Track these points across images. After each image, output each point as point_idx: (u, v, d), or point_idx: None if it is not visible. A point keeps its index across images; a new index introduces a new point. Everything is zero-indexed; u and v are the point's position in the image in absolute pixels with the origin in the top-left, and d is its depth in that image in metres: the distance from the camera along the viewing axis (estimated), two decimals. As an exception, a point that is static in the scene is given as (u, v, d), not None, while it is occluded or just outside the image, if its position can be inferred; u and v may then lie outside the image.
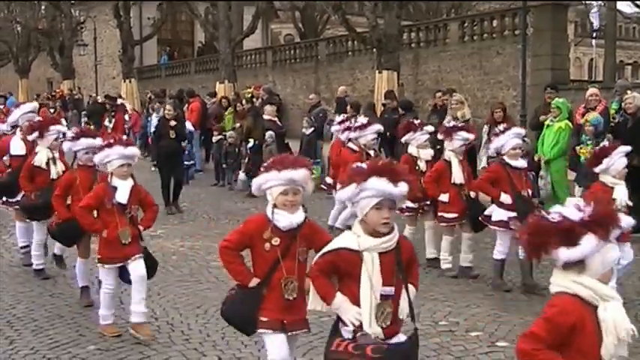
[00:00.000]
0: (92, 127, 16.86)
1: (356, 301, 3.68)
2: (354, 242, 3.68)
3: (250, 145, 14.73)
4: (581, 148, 10.24)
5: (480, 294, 7.41)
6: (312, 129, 15.16)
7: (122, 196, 5.90)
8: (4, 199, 8.33)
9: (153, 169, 14.80)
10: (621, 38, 49.28)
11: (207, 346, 5.80)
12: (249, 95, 18.47)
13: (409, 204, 8.07)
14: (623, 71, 53.50)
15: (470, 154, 9.91)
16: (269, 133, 14.76)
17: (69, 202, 6.81)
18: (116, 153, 5.91)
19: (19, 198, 8.01)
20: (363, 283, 3.66)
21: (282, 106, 20.94)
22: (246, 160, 14.76)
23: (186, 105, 18.80)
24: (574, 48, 45.46)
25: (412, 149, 8.73)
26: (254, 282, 4.14)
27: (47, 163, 7.52)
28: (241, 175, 14.85)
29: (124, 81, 31.26)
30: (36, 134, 7.64)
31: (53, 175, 7.49)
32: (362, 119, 9.77)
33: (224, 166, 15.79)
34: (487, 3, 41.62)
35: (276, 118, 15.48)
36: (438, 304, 6.99)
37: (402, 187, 3.65)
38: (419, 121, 9.55)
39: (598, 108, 10.61)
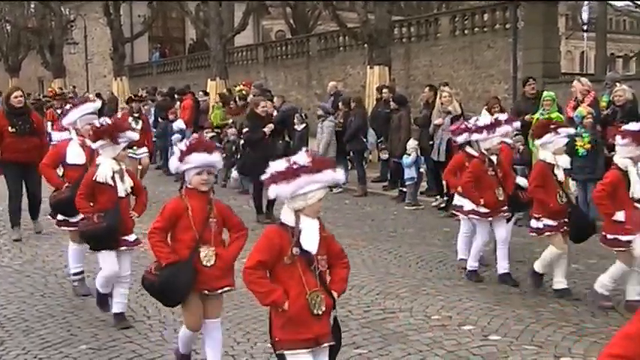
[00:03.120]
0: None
1: None
2: None
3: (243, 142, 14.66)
4: (576, 140, 10.22)
5: (472, 288, 7.42)
6: (304, 125, 15.13)
7: (310, 242, 3.90)
8: (60, 217, 7.16)
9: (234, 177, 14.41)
10: (612, 31, 49.36)
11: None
12: (242, 92, 18.38)
13: (548, 222, 7.03)
14: (615, 64, 53.64)
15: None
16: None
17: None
18: (317, 181, 3.86)
19: (80, 217, 6.67)
20: None
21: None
22: (239, 158, 14.69)
23: (179, 102, 18.75)
24: (565, 41, 45.56)
25: (546, 155, 7.17)
26: None
27: (113, 178, 6.05)
28: (234, 173, 14.80)
29: (115, 79, 31.26)
30: (103, 142, 6.05)
31: (121, 192, 6.07)
32: (486, 118, 8.10)
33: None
34: (478, -3, 41.60)
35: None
36: (431, 299, 6.99)
37: None
38: (554, 122, 7.90)
39: (586, 100, 10.62)
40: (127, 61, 34.10)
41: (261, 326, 6.19)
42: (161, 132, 17.47)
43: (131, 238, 6.20)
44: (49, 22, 36.52)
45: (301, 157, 3.90)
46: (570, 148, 10.16)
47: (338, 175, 3.94)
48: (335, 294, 4.00)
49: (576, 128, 10.27)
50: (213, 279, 4.83)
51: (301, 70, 27.30)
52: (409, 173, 12.54)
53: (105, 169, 6.03)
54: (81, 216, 6.47)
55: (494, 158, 7.60)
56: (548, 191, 7.01)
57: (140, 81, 34.25)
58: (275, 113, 15.23)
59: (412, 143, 12.77)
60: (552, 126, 7.26)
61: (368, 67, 19.83)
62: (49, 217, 7.68)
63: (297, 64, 27.68)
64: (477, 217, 7.66)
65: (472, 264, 7.77)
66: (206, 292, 4.85)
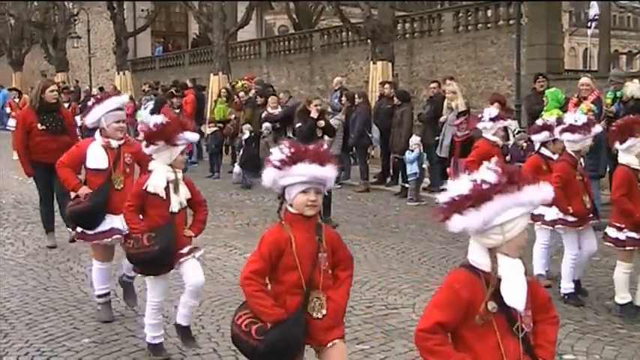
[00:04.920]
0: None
1: None
2: None
3: (246, 136, 14.69)
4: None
5: (475, 284, 7.39)
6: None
7: (515, 294, 2.85)
8: (80, 230, 6.24)
9: None
10: (616, 28, 49.29)
11: (203, 339, 5.79)
12: (244, 87, 18.35)
13: (632, 234, 6.24)
14: (618, 61, 53.62)
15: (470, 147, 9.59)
16: (266, 125, 14.71)
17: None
18: (518, 204, 2.85)
19: (100, 230, 6.04)
20: None
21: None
22: (241, 153, 14.74)
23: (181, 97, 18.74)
24: (569, 37, 45.51)
25: (630, 159, 6.29)
26: None
27: (166, 189, 5.16)
28: (236, 168, 14.82)
29: (118, 73, 31.24)
30: (158, 146, 5.12)
31: (174, 207, 5.18)
32: (580, 116, 7.02)
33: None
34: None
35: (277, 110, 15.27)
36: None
37: None
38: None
39: (589, 97, 10.62)
40: (130, 55, 34.10)
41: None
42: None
43: (185, 249, 5.30)
44: (53, 16, 36.50)
45: (489, 173, 2.83)
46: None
47: (545, 192, 2.85)
48: None
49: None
50: (322, 332, 3.65)
51: (304, 65, 27.26)
52: (412, 169, 12.54)
53: (157, 178, 5.11)
54: (100, 229, 6.00)
55: (582, 161, 6.85)
56: (634, 200, 6.21)
57: (143, 75, 34.28)
58: (279, 109, 15.25)
59: (415, 139, 12.78)
60: (638, 125, 6.22)
61: (371, 62, 19.80)
62: (69, 230, 7.00)
63: (299, 59, 27.63)
64: (564, 226, 6.78)
65: (568, 285, 6.80)
66: (314, 348, 3.72)
